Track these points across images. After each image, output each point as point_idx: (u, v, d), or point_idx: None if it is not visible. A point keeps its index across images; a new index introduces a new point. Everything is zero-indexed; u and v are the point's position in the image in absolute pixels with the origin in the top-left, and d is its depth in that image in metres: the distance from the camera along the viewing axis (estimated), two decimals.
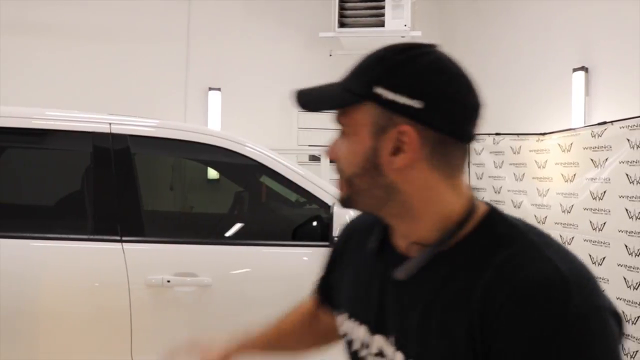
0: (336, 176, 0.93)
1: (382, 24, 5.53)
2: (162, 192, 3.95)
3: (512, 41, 5.93)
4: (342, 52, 6.01)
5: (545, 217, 4.91)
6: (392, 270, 0.90)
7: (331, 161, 0.96)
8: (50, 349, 2.34)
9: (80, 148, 2.61)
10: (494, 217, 0.88)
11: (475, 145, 5.86)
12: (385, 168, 0.86)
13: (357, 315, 0.99)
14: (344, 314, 1.03)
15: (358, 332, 0.98)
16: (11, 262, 2.31)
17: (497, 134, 5.59)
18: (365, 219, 1.08)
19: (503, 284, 0.77)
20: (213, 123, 6.32)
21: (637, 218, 3.76)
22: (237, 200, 3.38)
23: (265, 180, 2.98)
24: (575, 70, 4.84)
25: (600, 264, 4.17)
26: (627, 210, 3.85)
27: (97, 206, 2.49)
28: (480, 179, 5.82)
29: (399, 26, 5.53)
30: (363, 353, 0.96)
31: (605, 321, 0.75)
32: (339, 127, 0.91)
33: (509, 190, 5.42)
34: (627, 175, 3.87)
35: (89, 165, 2.55)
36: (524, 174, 5.22)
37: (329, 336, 1.23)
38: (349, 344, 1.01)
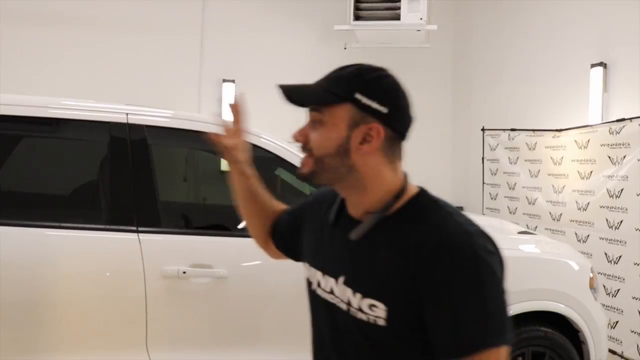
0: (302, 155, 1.23)
1: (397, 17, 5.48)
2: (176, 183, 3.94)
3: (529, 36, 5.87)
4: (357, 45, 5.97)
5: (560, 214, 4.86)
6: (347, 232, 1.24)
7: (300, 143, 1.23)
8: (66, 337, 2.34)
9: (97, 138, 2.60)
10: (422, 195, 1.24)
11: (490, 141, 5.82)
12: (352, 153, 1.19)
13: (316, 264, 1.34)
14: (307, 263, 1.38)
15: (316, 274, 1.33)
16: (25, 250, 2.31)
17: (512, 129, 5.55)
18: (322, 195, 1.44)
19: (430, 240, 1.12)
20: (227, 114, 6.32)
21: None
22: None
23: (280, 172, 2.97)
24: (593, 65, 4.78)
25: (616, 263, 4.13)
26: None
27: (114, 196, 2.49)
28: (495, 174, 5.78)
29: (415, 20, 5.49)
30: (319, 291, 1.32)
31: (496, 261, 1.12)
32: (312, 117, 1.21)
33: (523, 187, 5.38)
34: None
35: (105, 155, 2.54)
36: (539, 171, 5.17)
37: (263, 232, 1.61)
38: (310, 284, 1.36)
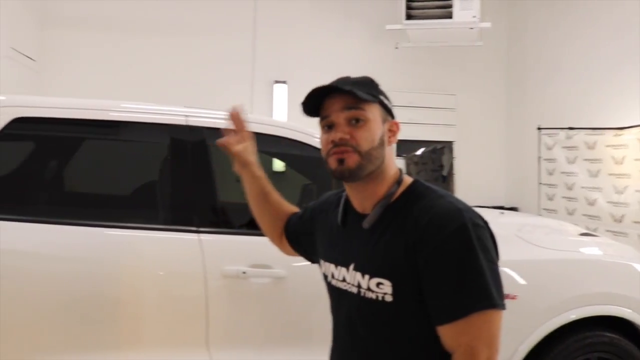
0: (347, 154, 1.36)
1: (449, 16, 5.43)
2: (233, 184, 3.98)
3: (587, 31, 5.69)
4: (409, 44, 5.92)
5: (623, 215, 4.70)
6: (356, 225, 1.43)
7: (344, 143, 1.37)
8: (128, 335, 2.38)
9: (157, 140, 2.65)
10: (417, 184, 1.43)
11: (546, 140, 5.68)
12: (385, 144, 1.42)
13: (329, 258, 1.52)
14: (321, 260, 1.57)
15: (329, 268, 1.51)
16: (87, 249, 2.37)
17: (570, 128, 5.40)
18: (326, 201, 1.65)
19: (424, 216, 1.30)
20: (279, 116, 6.35)
21: None
22: (306, 192, 3.37)
23: None
24: None
25: None
26: None
27: (175, 197, 2.53)
28: (552, 174, 5.64)
29: (468, 17, 5.41)
30: (333, 282, 1.50)
31: (485, 234, 1.30)
32: (354, 116, 1.37)
33: (582, 187, 5.23)
34: None
35: (166, 156, 2.59)
36: (599, 170, 5.02)
37: (275, 230, 1.82)
38: (326, 277, 1.55)
